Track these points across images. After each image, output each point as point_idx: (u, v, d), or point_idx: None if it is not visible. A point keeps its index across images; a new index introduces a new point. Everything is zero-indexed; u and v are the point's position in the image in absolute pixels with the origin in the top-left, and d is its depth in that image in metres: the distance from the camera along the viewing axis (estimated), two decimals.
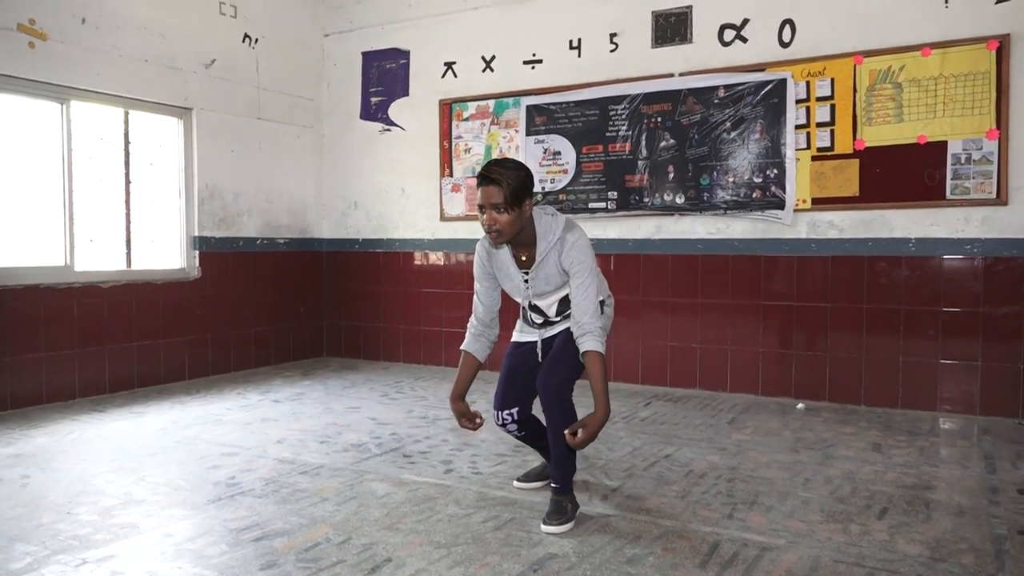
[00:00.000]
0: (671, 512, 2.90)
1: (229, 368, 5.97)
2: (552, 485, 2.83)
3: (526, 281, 2.88)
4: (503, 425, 3.03)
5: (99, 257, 5.16)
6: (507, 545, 2.58)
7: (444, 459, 3.62)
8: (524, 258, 2.87)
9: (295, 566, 2.41)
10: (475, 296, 3.04)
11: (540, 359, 2.99)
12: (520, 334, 3.10)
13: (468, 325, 3.05)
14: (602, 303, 2.91)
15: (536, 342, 3.02)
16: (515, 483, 3.24)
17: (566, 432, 2.59)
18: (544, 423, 2.92)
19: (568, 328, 2.87)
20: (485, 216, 2.70)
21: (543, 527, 2.69)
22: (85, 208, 5.05)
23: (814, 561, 2.45)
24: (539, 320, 3.01)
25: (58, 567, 2.41)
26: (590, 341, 2.69)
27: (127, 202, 5.33)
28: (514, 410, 2.99)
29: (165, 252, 5.63)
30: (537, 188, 5.72)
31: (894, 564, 2.43)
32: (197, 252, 5.72)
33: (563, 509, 2.74)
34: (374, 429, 4.21)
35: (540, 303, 2.94)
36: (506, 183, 2.65)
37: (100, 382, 5.07)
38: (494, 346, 3.06)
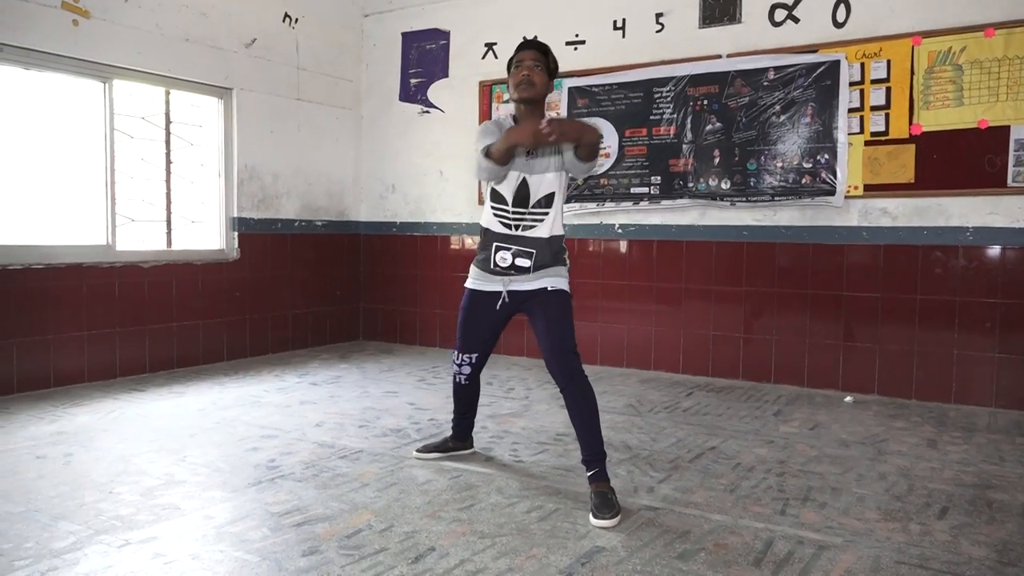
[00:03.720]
0: (720, 506, 2.81)
1: (267, 350, 5.97)
2: (588, 473, 2.80)
3: (528, 152, 2.91)
4: (459, 366, 3.16)
5: (140, 237, 5.17)
6: (553, 537, 2.51)
7: (484, 447, 3.56)
8: None
9: (337, 552, 2.36)
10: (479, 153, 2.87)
11: (505, 306, 3.01)
12: (477, 281, 3.07)
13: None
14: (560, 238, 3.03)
15: (500, 292, 3.00)
16: (415, 453, 3.40)
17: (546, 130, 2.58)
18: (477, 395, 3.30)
19: (548, 288, 2.91)
20: (523, 69, 2.88)
21: (593, 521, 2.61)
22: (126, 188, 5.05)
23: (874, 562, 2.34)
24: (514, 219, 2.95)
25: (101, 547, 2.39)
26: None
27: (168, 182, 5.32)
28: (474, 355, 3.17)
29: (205, 233, 5.63)
30: None
31: (960, 567, 2.31)
32: (236, 233, 5.71)
33: (611, 502, 2.66)
34: (413, 414, 4.16)
35: (532, 181, 2.92)
36: (550, 53, 2.98)
37: (140, 362, 5.09)
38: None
